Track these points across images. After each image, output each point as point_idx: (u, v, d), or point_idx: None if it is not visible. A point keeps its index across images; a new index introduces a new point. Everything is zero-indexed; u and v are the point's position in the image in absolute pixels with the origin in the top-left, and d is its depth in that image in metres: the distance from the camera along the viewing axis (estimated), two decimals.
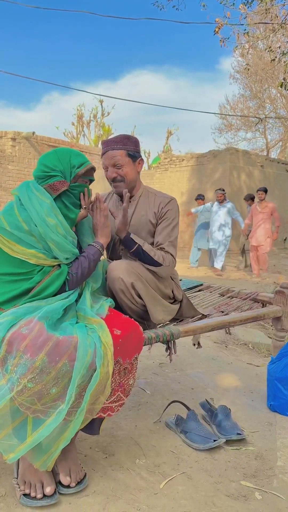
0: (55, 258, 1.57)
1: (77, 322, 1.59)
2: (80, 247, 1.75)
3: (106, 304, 1.71)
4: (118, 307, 1.85)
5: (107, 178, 2.00)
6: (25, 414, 1.37)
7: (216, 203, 8.54)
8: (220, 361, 3.08)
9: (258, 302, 2.58)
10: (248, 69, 10.93)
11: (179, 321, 2.21)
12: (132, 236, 1.88)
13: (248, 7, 6.34)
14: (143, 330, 1.92)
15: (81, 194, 1.69)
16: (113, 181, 1.98)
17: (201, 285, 2.88)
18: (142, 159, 2.02)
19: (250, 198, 9.22)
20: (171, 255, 1.95)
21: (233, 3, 6.06)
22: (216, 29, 6.04)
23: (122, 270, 1.79)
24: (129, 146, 1.95)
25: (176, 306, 2.09)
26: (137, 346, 1.61)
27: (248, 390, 2.55)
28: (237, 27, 6.14)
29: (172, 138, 23.93)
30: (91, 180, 1.75)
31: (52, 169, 1.61)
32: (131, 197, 2.05)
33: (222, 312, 2.35)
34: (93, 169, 1.74)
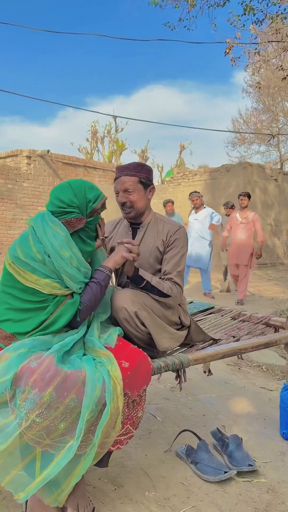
0: (68, 287, 1.59)
1: (84, 354, 1.60)
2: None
3: (114, 333, 1.72)
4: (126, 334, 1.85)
5: (118, 203, 2.03)
6: (35, 450, 1.37)
7: (192, 211, 7.11)
8: (232, 385, 3.04)
9: (271, 327, 2.55)
10: (260, 87, 10.95)
11: (189, 346, 2.21)
12: (141, 273, 1.88)
13: (258, 26, 6.41)
14: (152, 358, 1.93)
15: (97, 225, 1.72)
16: (122, 206, 2.00)
17: (213, 307, 2.86)
18: (153, 187, 2.05)
19: (231, 206, 7.89)
20: (179, 285, 1.96)
21: (243, 25, 6.15)
22: (227, 50, 6.10)
23: (126, 299, 1.80)
24: (142, 173, 1.98)
25: (184, 333, 2.08)
26: (145, 378, 1.61)
27: (260, 416, 2.51)
28: (248, 46, 6.24)
29: (185, 152, 24.06)
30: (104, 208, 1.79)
31: (68, 205, 1.62)
32: (139, 223, 2.07)
33: (234, 337, 2.34)
34: (105, 198, 1.77)
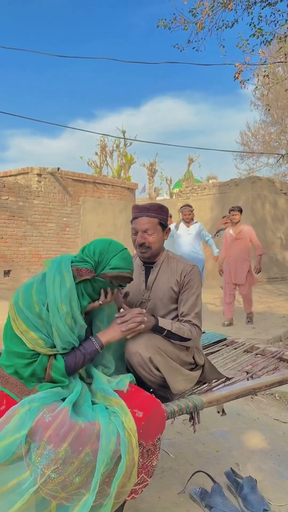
0: (52, 347, 1.57)
1: (93, 402, 1.60)
2: (91, 330, 1.76)
3: (126, 378, 1.71)
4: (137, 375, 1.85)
5: (134, 242, 2.03)
6: (50, 504, 1.37)
7: (181, 224, 6.66)
8: (245, 416, 3.01)
9: (285, 361, 2.53)
10: (269, 109, 10.99)
11: (202, 384, 2.19)
12: (160, 324, 1.88)
13: (266, 46, 6.45)
14: (165, 400, 1.92)
15: (102, 290, 1.68)
16: (140, 246, 2.01)
17: (225, 339, 2.85)
18: (169, 229, 2.07)
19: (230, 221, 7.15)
20: (198, 327, 1.96)
21: (252, 49, 6.22)
22: (236, 75, 6.17)
23: (140, 344, 1.80)
24: (162, 215, 2.00)
25: (198, 373, 2.07)
26: (159, 426, 1.60)
27: (275, 453, 2.48)
28: (256, 68, 6.27)
29: (193, 165, 24.14)
30: (122, 286, 1.76)
31: (90, 256, 1.65)
32: (153, 263, 2.08)
33: (247, 373, 2.32)
34: (128, 278, 1.73)
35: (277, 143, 20.05)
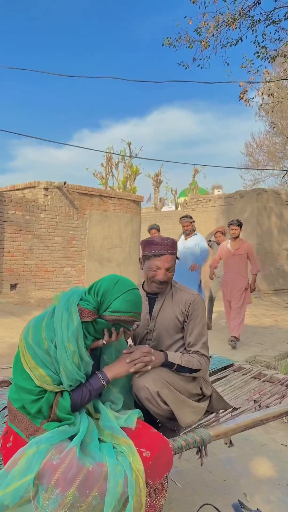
0: (59, 384, 1.57)
1: (100, 440, 1.60)
2: (98, 365, 1.77)
3: (134, 415, 1.72)
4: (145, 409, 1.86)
5: (150, 277, 2.02)
6: None
7: (181, 237, 6.32)
8: (253, 441, 2.98)
9: None
10: (274, 127, 11.04)
11: (210, 413, 2.19)
12: (170, 359, 1.89)
13: (270, 62, 6.50)
14: (172, 433, 1.92)
15: (106, 330, 1.67)
16: (160, 283, 2.01)
17: (232, 364, 2.84)
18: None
19: (221, 233, 6.98)
20: (206, 356, 1.98)
21: (257, 70, 6.28)
22: (241, 95, 6.22)
23: (147, 378, 1.80)
24: (176, 250, 2.05)
25: (205, 404, 2.07)
26: (167, 465, 1.60)
27: (283, 481, 2.45)
28: (260, 86, 6.32)
29: (198, 175, 24.22)
30: (127, 328, 1.72)
31: (93, 296, 1.64)
32: (159, 293, 2.09)
33: (255, 402, 2.31)
34: (131, 322, 1.70)
35: (282, 154, 20.08)
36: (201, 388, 2.06)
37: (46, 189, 9.90)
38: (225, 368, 2.82)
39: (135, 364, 1.75)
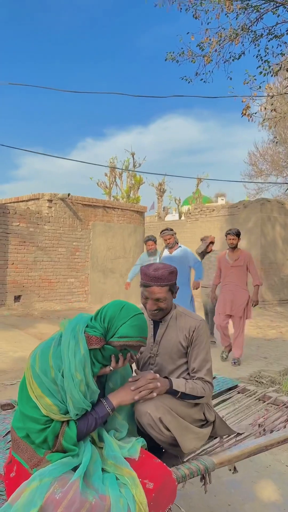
0: (65, 413, 1.57)
1: (104, 470, 1.59)
2: (103, 392, 1.77)
3: (138, 444, 1.71)
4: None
5: (144, 304, 2.05)
6: None
7: (165, 250, 5.99)
8: (258, 463, 2.95)
9: None
10: (277, 142, 11.08)
11: (213, 438, 2.18)
12: (175, 387, 1.89)
13: (272, 76, 6.56)
14: (176, 461, 1.91)
15: (113, 356, 1.67)
16: (152, 311, 2.02)
17: (236, 386, 2.82)
18: (178, 287, 2.07)
19: (210, 242, 6.59)
20: (210, 383, 1.98)
21: (259, 86, 6.33)
22: (244, 112, 6.26)
23: (149, 404, 1.80)
24: (171, 281, 2.00)
25: (208, 430, 2.06)
26: (170, 497, 1.59)
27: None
28: (263, 102, 6.36)
29: (202, 184, 24.28)
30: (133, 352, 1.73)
31: (100, 322, 1.64)
32: (163, 317, 2.09)
33: (259, 426, 2.29)
34: (138, 347, 1.70)
35: (286, 163, 20.11)
36: (204, 414, 2.05)
37: (50, 200, 9.96)
38: (229, 389, 2.80)
39: (140, 392, 1.74)
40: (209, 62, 6.54)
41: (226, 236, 5.50)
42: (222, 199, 29.98)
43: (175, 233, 5.92)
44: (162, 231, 5.90)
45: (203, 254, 6.91)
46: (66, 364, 1.58)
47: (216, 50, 6.37)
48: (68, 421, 1.59)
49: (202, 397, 1.94)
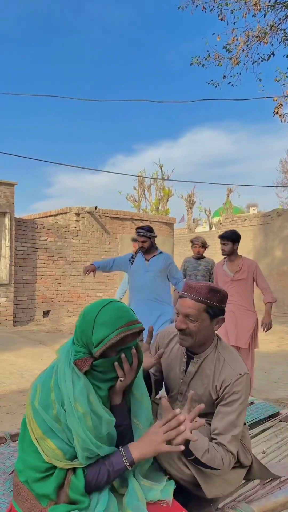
0: (72, 458, 1.31)
1: None
2: (129, 424, 1.47)
3: (170, 486, 1.41)
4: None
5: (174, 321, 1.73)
6: None
7: (138, 255, 4.13)
8: None
9: None
10: None
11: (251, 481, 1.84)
12: (191, 447, 1.48)
13: None
14: (208, 508, 1.60)
15: (115, 365, 1.36)
16: (179, 331, 1.68)
17: (278, 413, 2.46)
18: (223, 319, 1.69)
19: (203, 246, 5.35)
20: (232, 454, 1.56)
21: None
22: (275, 110, 5.93)
23: None
24: (212, 301, 1.62)
25: (240, 474, 1.70)
26: None
27: None
28: None
29: (232, 195, 23.80)
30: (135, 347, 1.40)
31: (78, 341, 1.36)
32: (196, 353, 1.73)
33: None
34: (131, 336, 1.35)
35: None
36: (238, 456, 1.68)
37: (77, 214, 9.89)
38: (269, 417, 2.44)
39: (166, 441, 1.37)
40: (236, 64, 6.26)
41: (220, 239, 4.03)
42: (254, 209, 29.28)
43: (155, 236, 4.24)
44: (137, 228, 4.24)
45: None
46: (65, 396, 1.31)
47: (243, 51, 6.10)
48: (74, 469, 1.31)
49: (218, 469, 1.54)
